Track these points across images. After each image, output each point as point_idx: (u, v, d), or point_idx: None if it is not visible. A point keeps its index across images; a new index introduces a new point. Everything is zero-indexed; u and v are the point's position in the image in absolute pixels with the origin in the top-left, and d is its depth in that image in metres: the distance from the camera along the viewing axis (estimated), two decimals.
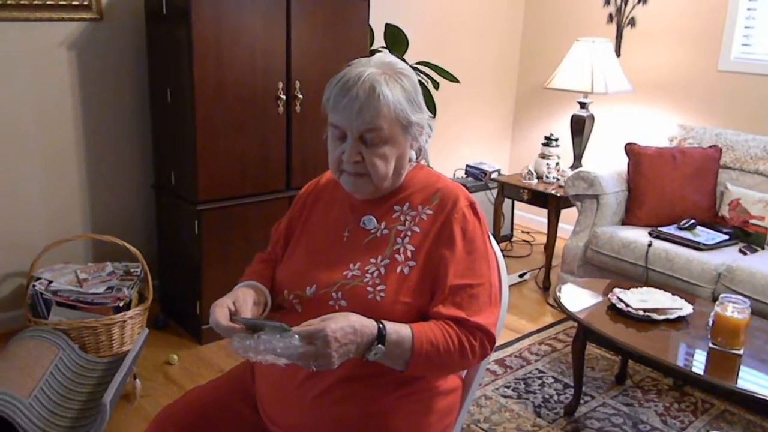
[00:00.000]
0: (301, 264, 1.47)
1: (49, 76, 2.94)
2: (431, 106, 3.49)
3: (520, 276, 3.90)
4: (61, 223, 3.08)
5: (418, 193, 1.45)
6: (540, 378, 2.83)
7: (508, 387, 2.75)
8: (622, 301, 2.46)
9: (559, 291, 2.62)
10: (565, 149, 4.09)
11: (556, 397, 2.69)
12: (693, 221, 3.22)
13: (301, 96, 3.00)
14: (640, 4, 4.08)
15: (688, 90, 3.95)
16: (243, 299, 1.38)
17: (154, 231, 3.30)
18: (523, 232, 4.70)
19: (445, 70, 3.74)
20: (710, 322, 2.20)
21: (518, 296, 3.68)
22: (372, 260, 1.39)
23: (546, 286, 3.78)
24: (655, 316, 2.37)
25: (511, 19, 4.64)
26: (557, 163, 4.02)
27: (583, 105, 3.96)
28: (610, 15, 4.22)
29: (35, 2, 2.82)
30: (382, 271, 1.37)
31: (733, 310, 2.13)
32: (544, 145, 4.06)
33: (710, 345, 2.19)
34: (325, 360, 1.20)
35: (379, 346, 1.24)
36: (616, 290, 2.54)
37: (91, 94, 3.06)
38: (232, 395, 1.49)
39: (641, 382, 2.82)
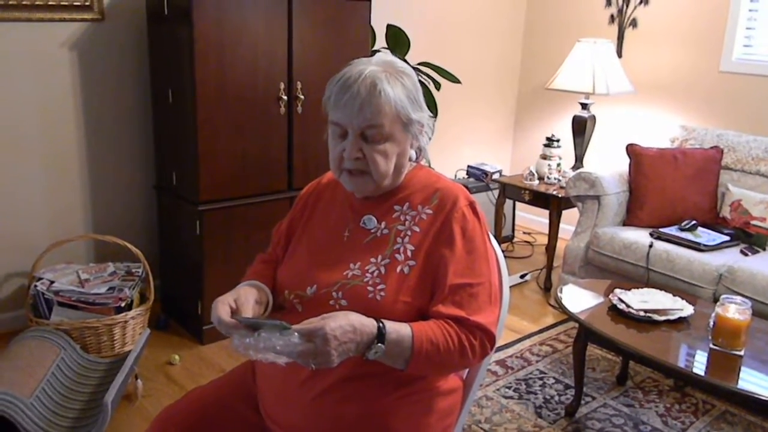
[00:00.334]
0: (301, 264, 1.47)
1: (51, 76, 2.94)
2: (433, 107, 3.50)
3: (522, 277, 3.90)
4: (63, 223, 3.09)
5: (418, 192, 1.45)
6: (541, 379, 2.83)
7: (509, 387, 2.75)
8: (623, 301, 2.46)
9: (560, 292, 2.62)
10: (566, 150, 4.09)
11: (557, 398, 2.69)
12: (694, 222, 3.22)
13: (302, 96, 3.00)
14: (642, 5, 4.08)
15: (690, 91, 3.95)
16: (245, 297, 1.38)
17: (156, 231, 3.30)
18: (524, 232, 4.70)
19: (446, 71, 3.74)
20: (711, 323, 2.20)
21: (519, 297, 3.68)
22: (372, 260, 1.39)
23: (547, 287, 3.78)
24: (656, 316, 2.37)
25: (512, 19, 4.64)
26: (558, 164, 4.02)
27: (584, 106, 3.96)
28: (612, 16, 4.22)
29: (37, 3, 2.82)
30: (383, 270, 1.37)
31: (734, 311, 2.13)
32: (546, 145, 4.06)
33: (711, 346, 2.19)
34: (324, 358, 1.20)
35: (379, 344, 1.25)
36: (617, 291, 2.54)
37: (92, 95, 3.07)
38: (234, 395, 1.49)
39: (642, 383, 2.82)
